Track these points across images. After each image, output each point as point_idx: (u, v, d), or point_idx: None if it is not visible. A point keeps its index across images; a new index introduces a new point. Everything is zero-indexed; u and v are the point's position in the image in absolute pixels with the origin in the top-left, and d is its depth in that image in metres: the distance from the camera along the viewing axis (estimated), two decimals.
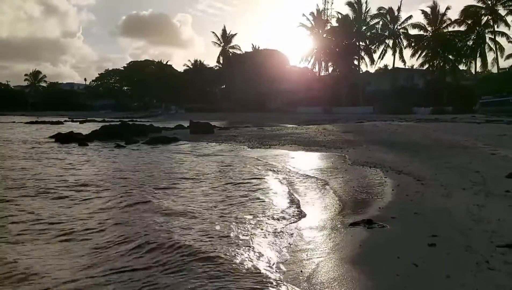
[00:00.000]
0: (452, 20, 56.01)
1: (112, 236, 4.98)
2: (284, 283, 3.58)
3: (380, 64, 65.41)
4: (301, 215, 5.87)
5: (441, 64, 56.50)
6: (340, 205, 6.33)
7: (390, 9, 58.97)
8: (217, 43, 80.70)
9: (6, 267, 4.01)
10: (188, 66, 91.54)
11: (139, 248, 4.46)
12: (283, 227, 5.25)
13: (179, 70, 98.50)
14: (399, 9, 58.34)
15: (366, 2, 60.78)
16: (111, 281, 3.68)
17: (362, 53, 62.52)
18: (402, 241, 4.45)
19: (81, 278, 3.77)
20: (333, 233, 4.93)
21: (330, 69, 66.75)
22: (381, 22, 60.19)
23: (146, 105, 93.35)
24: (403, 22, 58.40)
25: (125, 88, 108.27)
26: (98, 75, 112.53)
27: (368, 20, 61.14)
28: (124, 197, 7.03)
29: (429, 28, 56.84)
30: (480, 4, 53.95)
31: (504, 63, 57.48)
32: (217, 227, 5.20)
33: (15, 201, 6.86)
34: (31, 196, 7.28)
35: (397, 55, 59.29)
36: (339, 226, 5.19)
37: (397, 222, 5.14)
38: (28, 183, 8.38)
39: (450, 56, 56.09)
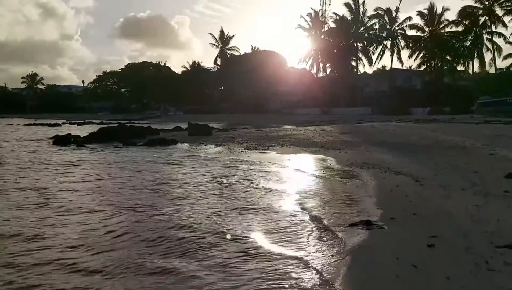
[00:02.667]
0: (450, 20, 56.28)
1: None
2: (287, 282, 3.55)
3: (378, 65, 65.62)
4: (297, 214, 5.83)
5: (439, 64, 56.65)
6: (338, 206, 6.29)
7: (388, 10, 59.17)
8: (215, 44, 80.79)
9: None
10: (186, 67, 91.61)
11: None
12: (278, 227, 5.22)
13: (177, 71, 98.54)
14: (397, 10, 58.57)
15: (363, 3, 61.03)
16: None
17: (360, 54, 62.65)
18: (401, 242, 4.42)
19: None
20: (331, 234, 4.90)
21: (328, 70, 66.95)
22: (378, 23, 60.40)
23: (144, 107, 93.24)
24: (400, 23, 58.61)
25: (123, 90, 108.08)
26: (96, 77, 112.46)
27: (365, 21, 61.32)
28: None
29: (427, 29, 56.99)
30: (477, 5, 54.19)
31: (501, 64, 57.61)
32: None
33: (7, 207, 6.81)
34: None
35: (395, 56, 59.54)
36: (337, 227, 5.15)
37: (396, 223, 5.12)
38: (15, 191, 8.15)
39: (448, 57, 56.23)
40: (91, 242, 4.77)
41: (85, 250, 4.50)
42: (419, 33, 57.67)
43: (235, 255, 4.27)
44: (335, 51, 62.26)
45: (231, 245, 4.57)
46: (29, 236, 5.00)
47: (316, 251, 4.37)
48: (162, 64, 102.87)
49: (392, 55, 59.57)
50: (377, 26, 60.52)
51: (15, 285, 3.63)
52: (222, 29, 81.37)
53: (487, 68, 56.27)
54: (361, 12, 61.05)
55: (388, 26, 59.29)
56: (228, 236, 4.88)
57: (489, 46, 54.38)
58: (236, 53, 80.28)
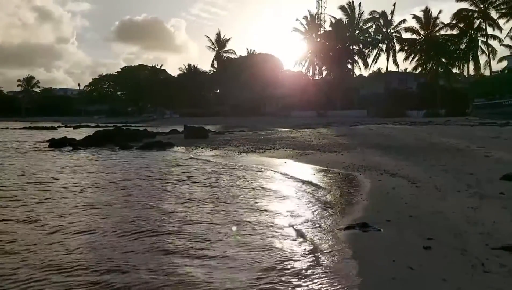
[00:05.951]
0: (445, 23, 56.64)
1: None
2: None
3: (374, 68, 65.92)
4: (295, 216, 5.83)
5: (434, 67, 56.96)
6: (335, 208, 6.29)
7: (383, 13, 59.52)
8: (211, 47, 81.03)
9: None
10: (182, 70, 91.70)
11: None
12: (274, 227, 5.21)
13: (173, 74, 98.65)
14: (392, 13, 58.93)
15: (359, 6, 61.41)
16: None
17: (356, 57, 63.10)
18: (398, 244, 4.42)
19: None
20: (327, 236, 4.89)
21: (324, 73, 67.32)
22: (374, 26, 60.74)
23: (140, 110, 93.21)
24: (396, 26, 58.97)
25: (119, 93, 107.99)
26: (92, 80, 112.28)
27: (361, 24, 61.66)
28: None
29: (422, 32, 57.33)
30: (472, 8, 54.56)
31: (496, 66, 58.00)
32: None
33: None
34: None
35: (390, 58, 59.89)
36: (333, 229, 5.15)
37: (392, 225, 5.12)
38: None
39: (443, 60, 56.55)
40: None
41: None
42: (414, 36, 58.14)
43: None
44: (331, 54, 62.59)
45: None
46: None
47: (312, 252, 4.37)
48: (158, 67, 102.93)
49: (387, 57, 60.05)
50: (372, 29, 60.95)
51: None
52: (218, 32, 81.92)
53: (482, 70, 56.79)
54: (357, 15, 61.42)
55: (383, 29, 59.64)
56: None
57: (484, 48, 54.84)
58: (233, 56, 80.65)
